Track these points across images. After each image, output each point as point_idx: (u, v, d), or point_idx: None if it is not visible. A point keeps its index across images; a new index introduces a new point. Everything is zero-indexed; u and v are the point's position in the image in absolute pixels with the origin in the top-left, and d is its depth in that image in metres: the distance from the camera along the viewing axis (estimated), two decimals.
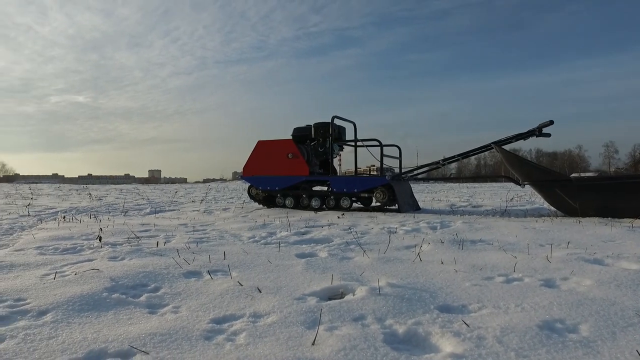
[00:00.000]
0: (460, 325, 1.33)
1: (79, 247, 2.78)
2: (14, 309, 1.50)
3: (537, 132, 4.97)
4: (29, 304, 1.56)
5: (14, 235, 3.47)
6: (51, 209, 6.42)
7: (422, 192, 13.43)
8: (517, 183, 5.17)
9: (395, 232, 3.52)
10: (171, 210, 6.30)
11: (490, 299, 1.60)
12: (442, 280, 1.89)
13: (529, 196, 9.59)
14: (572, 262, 2.20)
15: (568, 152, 70.54)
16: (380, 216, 4.84)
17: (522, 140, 5.17)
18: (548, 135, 5.01)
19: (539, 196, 8.73)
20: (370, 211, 5.61)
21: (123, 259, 2.41)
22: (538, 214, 5.26)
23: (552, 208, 5.54)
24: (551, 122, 4.89)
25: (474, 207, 6.54)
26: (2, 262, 2.28)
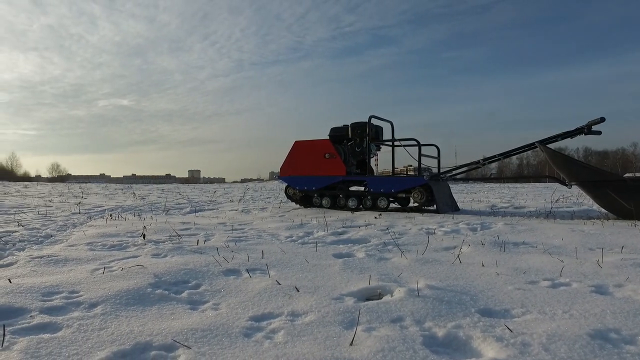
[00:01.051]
0: (503, 330, 1.28)
1: (124, 244, 2.91)
2: (69, 300, 1.59)
3: (586, 130, 4.73)
4: (81, 296, 1.65)
5: (67, 231, 3.67)
6: (99, 207, 6.75)
7: (461, 193, 13.09)
8: (563, 183, 4.93)
9: (434, 233, 3.45)
10: (210, 210, 6.46)
11: (535, 304, 1.53)
12: (483, 283, 1.84)
13: (576, 197, 9.14)
14: (627, 268, 2.08)
15: (621, 151, 66.50)
16: (418, 217, 4.76)
17: (569, 138, 4.93)
18: (598, 133, 4.75)
19: (587, 197, 8.30)
20: (408, 212, 5.52)
21: (165, 256, 2.49)
22: (587, 216, 5.00)
23: (603, 210, 5.25)
24: (602, 120, 4.63)
25: (516, 208, 6.31)
26: (57, 256, 2.42)
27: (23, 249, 2.72)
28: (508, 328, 1.30)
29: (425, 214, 5.22)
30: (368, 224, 4.04)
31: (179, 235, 3.32)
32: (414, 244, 2.88)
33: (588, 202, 7.37)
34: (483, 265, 2.19)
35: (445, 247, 2.77)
